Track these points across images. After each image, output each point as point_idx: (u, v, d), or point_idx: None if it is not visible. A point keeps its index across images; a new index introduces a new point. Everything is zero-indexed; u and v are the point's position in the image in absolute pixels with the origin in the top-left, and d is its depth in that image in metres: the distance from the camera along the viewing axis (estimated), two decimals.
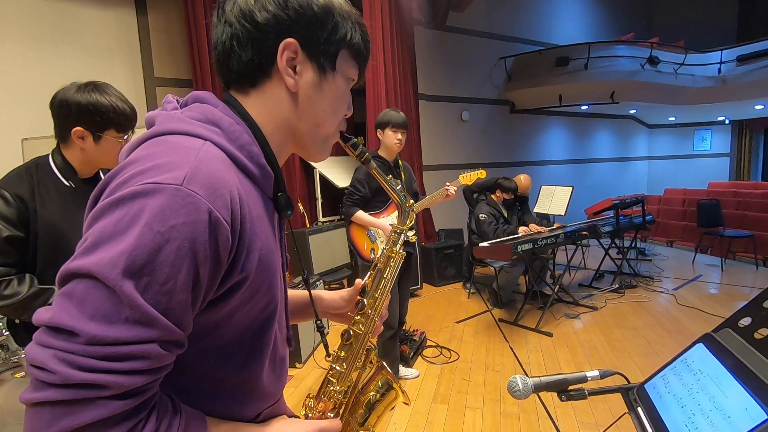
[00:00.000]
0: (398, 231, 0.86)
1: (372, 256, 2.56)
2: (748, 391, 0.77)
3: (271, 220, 0.64)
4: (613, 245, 5.09)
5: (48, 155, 1.34)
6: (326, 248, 4.33)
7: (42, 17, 4.05)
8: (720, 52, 7.58)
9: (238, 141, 0.59)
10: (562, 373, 1.00)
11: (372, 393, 0.82)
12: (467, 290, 4.92)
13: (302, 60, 0.62)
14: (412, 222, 0.89)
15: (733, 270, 5.54)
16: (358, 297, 0.84)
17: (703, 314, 3.97)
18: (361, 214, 2.58)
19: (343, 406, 0.79)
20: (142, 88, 4.65)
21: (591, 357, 3.22)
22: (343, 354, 0.79)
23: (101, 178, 0.81)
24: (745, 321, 0.93)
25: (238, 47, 0.61)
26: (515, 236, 3.95)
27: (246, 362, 0.62)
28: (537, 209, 5.03)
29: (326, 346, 0.83)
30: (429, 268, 5.16)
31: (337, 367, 0.78)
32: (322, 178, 4.90)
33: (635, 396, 1.00)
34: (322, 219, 4.98)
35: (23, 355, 1.94)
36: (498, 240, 3.89)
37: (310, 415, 0.78)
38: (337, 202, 3.27)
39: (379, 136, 2.61)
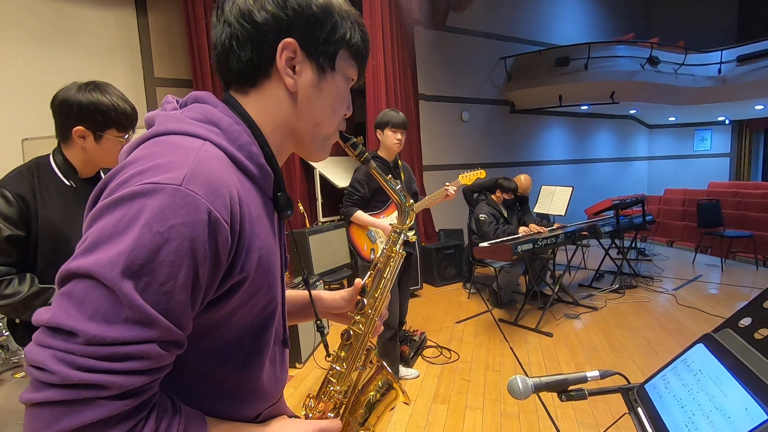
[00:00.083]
0: (398, 231, 0.86)
1: (372, 256, 2.56)
2: (748, 391, 0.77)
3: (271, 220, 0.64)
4: (613, 245, 5.09)
5: (49, 155, 1.34)
6: (326, 248, 4.33)
7: (42, 17, 4.05)
8: (720, 52, 7.59)
9: (238, 141, 0.59)
10: (562, 374, 1.00)
11: (372, 393, 0.82)
12: (467, 290, 4.92)
13: (301, 60, 0.62)
14: (412, 222, 0.89)
15: (733, 270, 5.53)
16: (358, 297, 0.84)
17: (703, 314, 3.96)
18: (360, 215, 2.58)
19: (344, 406, 0.79)
20: (142, 88, 4.65)
21: (591, 357, 3.21)
22: (343, 354, 0.79)
23: (102, 178, 0.82)
24: (745, 321, 0.93)
25: (237, 47, 0.61)
26: (515, 236, 3.95)
27: (246, 362, 0.62)
28: (537, 209, 5.03)
29: (326, 346, 0.83)
30: (429, 268, 5.16)
31: (337, 367, 0.78)
32: (322, 178, 4.90)
33: (635, 396, 1.00)
34: (322, 219, 4.98)
35: (23, 355, 1.94)
36: (498, 240, 3.88)
37: (310, 415, 0.78)
38: (337, 202, 3.27)
39: (378, 136, 2.61)
